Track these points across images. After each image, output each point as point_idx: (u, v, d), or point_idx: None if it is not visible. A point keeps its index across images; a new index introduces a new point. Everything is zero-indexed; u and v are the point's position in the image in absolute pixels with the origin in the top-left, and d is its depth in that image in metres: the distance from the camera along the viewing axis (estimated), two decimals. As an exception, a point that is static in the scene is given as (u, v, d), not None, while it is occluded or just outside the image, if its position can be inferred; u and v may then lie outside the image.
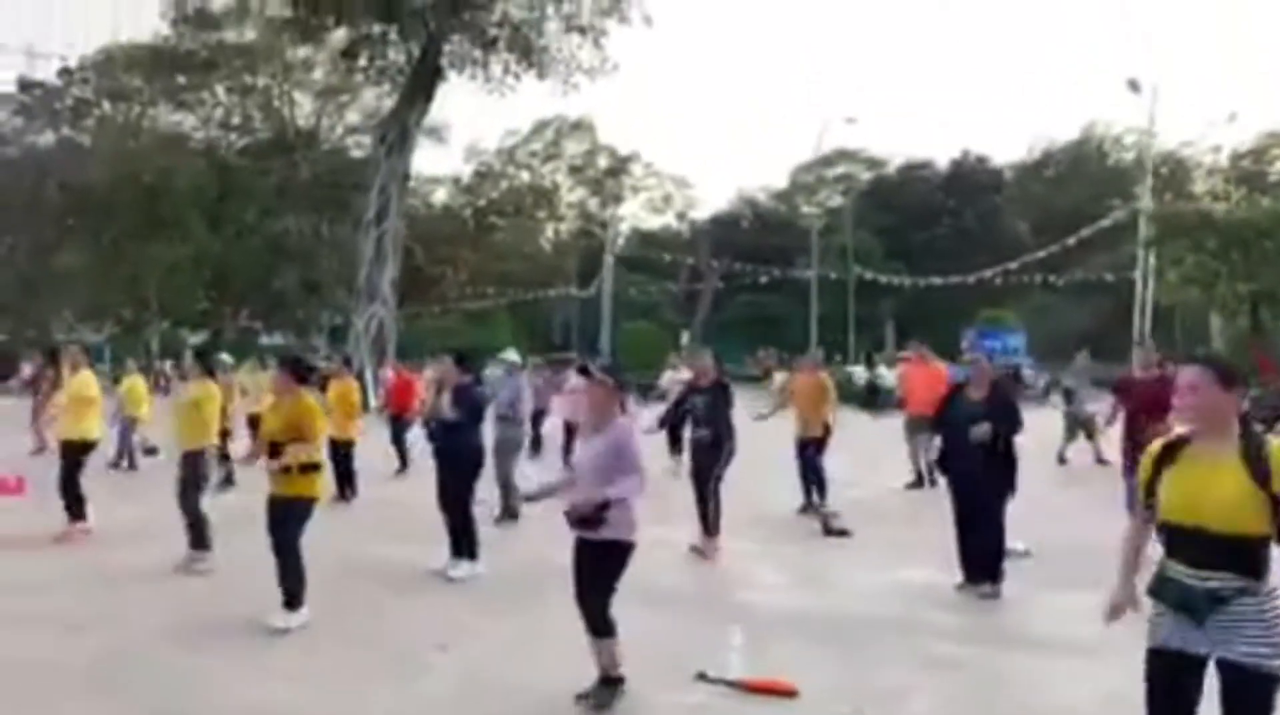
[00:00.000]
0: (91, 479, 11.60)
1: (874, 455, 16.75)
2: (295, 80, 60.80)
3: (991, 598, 7.73)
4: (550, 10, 30.07)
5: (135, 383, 16.03)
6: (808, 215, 62.20)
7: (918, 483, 13.63)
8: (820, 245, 56.26)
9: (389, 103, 61.35)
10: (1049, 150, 69.84)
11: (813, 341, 36.22)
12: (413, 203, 56.61)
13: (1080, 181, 66.45)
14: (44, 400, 17.37)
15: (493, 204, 75.14)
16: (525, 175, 77.40)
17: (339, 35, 36.47)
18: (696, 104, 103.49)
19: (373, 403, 28.39)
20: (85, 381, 10.51)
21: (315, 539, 7.74)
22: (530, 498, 6.18)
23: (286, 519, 7.03)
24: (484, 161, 75.90)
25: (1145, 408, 8.87)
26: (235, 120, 60.05)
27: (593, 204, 79.89)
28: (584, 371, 5.58)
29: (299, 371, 7.26)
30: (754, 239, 54.84)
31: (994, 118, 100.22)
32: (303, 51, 61.14)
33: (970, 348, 44.13)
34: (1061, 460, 17.00)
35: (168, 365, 28.51)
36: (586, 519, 5.29)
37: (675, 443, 15.60)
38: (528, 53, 30.71)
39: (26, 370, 39.24)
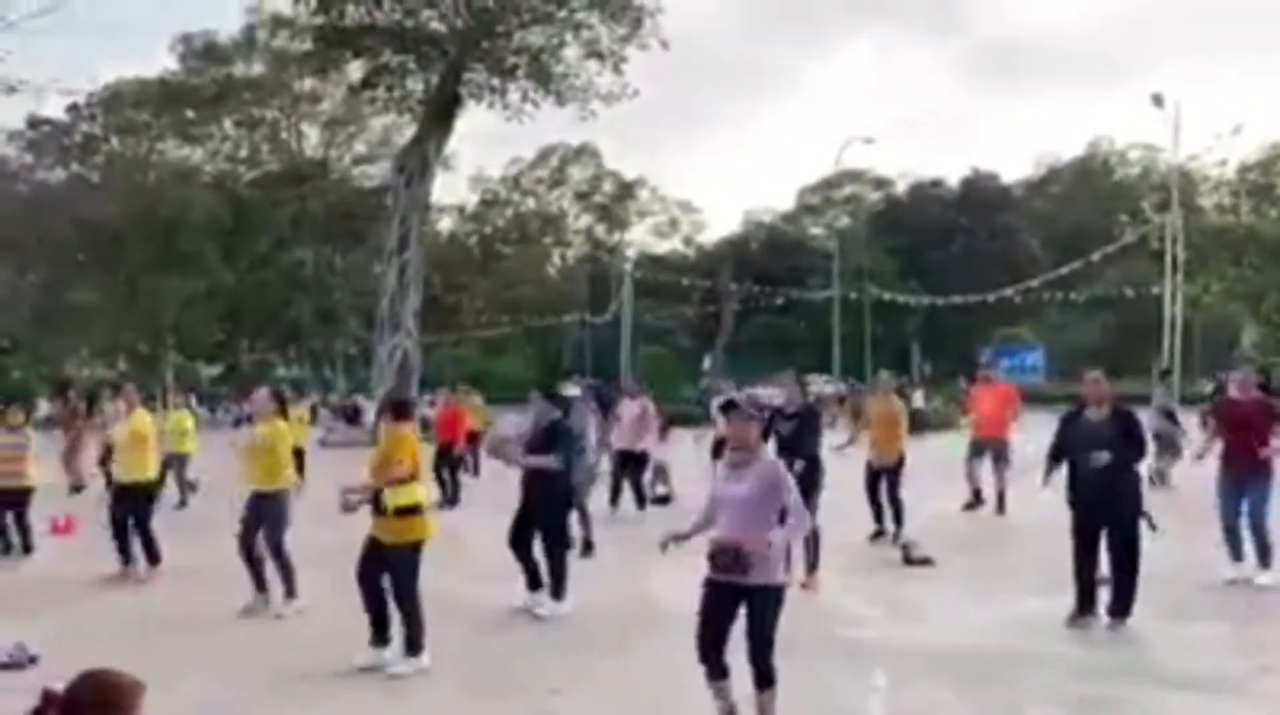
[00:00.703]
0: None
1: (921, 478, 16.49)
2: (303, 112, 61.01)
3: (1117, 628, 7.46)
4: (569, 37, 30.02)
5: (181, 417, 15.77)
6: (819, 236, 62.16)
7: (974, 504, 13.35)
8: (831, 266, 56.24)
9: (398, 133, 61.91)
10: (1054, 167, 70.03)
11: (835, 363, 35.88)
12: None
13: (1087, 198, 66.54)
14: (75, 438, 17.17)
15: (499, 232, 75.26)
16: (531, 202, 77.52)
17: (354, 65, 36.52)
18: (699, 128, 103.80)
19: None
20: (143, 420, 10.26)
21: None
22: (678, 538, 5.87)
23: (396, 570, 6.74)
24: (490, 189, 75.96)
25: (1246, 430, 8.62)
26: (243, 153, 60.22)
27: (600, 230, 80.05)
28: (729, 407, 5.33)
29: (399, 408, 7.02)
30: (765, 261, 54.66)
31: (998, 135, 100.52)
32: (310, 83, 61.49)
33: (987, 366, 43.95)
34: (1152, 481, 16.56)
35: (193, 398, 28.27)
36: (738, 562, 4.99)
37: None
38: (546, 80, 30.64)
39: (44, 407, 39.08)
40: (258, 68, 59.65)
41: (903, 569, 10.13)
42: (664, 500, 14.62)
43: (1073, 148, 71.57)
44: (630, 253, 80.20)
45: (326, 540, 9.45)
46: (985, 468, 13.32)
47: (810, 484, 9.10)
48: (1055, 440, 7.79)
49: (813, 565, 8.99)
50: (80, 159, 60.42)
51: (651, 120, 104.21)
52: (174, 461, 15.31)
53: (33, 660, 7.03)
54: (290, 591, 8.48)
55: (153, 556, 9.88)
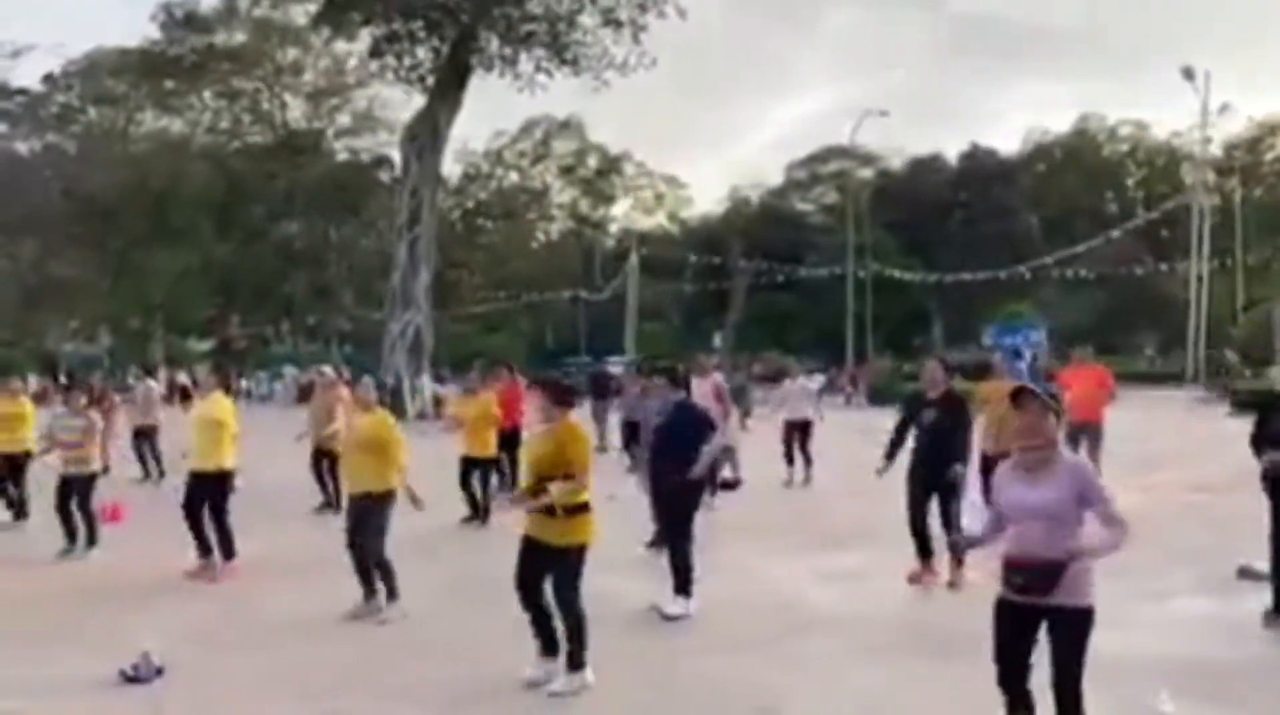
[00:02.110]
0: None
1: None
2: (285, 84, 59.75)
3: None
4: (586, 3, 29.07)
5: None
6: (814, 212, 61.65)
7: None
8: (832, 243, 55.71)
9: (382, 107, 60.80)
10: (1043, 143, 69.75)
11: (848, 340, 35.39)
12: (386, 207, 55.64)
13: (1075, 175, 66.40)
14: (109, 419, 16.35)
15: (481, 206, 74.11)
16: (514, 176, 76.40)
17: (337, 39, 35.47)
18: (683, 101, 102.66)
19: (410, 412, 27.47)
20: (222, 404, 9.52)
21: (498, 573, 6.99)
22: (972, 544, 5.22)
23: (561, 574, 6.08)
24: (472, 163, 74.77)
25: None
26: (223, 125, 58.90)
27: (584, 205, 79.15)
28: (1020, 394, 4.64)
29: (561, 394, 6.33)
30: (761, 238, 54.09)
31: (984, 111, 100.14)
32: (292, 54, 60.25)
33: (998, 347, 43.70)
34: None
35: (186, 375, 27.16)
36: (1040, 581, 4.36)
37: (792, 455, 14.90)
38: (561, 49, 29.75)
39: (33, 384, 37.96)
40: (239, 37, 58.38)
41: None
42: (732, 485, 13.99)
43: (1061, 124, 71.13)
44: (613, 228, 79.77)
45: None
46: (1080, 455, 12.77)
47: (960, 473, 8.56)
48: (1256, 430, 7.24)
49: (960, 560, 8.42)
50: (57, 129, 59.04)
51: (635, 95, 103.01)
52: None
53: (159, 673, 6.37)
54: (392, 593, 7.82)
55: (227, 550, 9.18)
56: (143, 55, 55.21)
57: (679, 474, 7.77)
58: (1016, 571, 4.42)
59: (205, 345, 43.11)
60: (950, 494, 8.41)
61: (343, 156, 55.67)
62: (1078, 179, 66.11)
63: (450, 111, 29.49)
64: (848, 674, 6.37)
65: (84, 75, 58.74)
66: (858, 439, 20.93)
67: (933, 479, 8.42)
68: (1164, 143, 69.79)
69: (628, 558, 9.82)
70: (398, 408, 26.63)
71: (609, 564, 9.48)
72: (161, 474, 15.92)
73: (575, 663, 6.07)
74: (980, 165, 55.79)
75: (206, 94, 58.89)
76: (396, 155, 53.62)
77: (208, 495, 9.16)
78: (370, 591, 7.80)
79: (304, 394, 35.93)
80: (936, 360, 9.05)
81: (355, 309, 44.63)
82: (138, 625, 7.55)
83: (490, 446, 11.87)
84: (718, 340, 42.30)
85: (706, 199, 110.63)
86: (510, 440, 14.36)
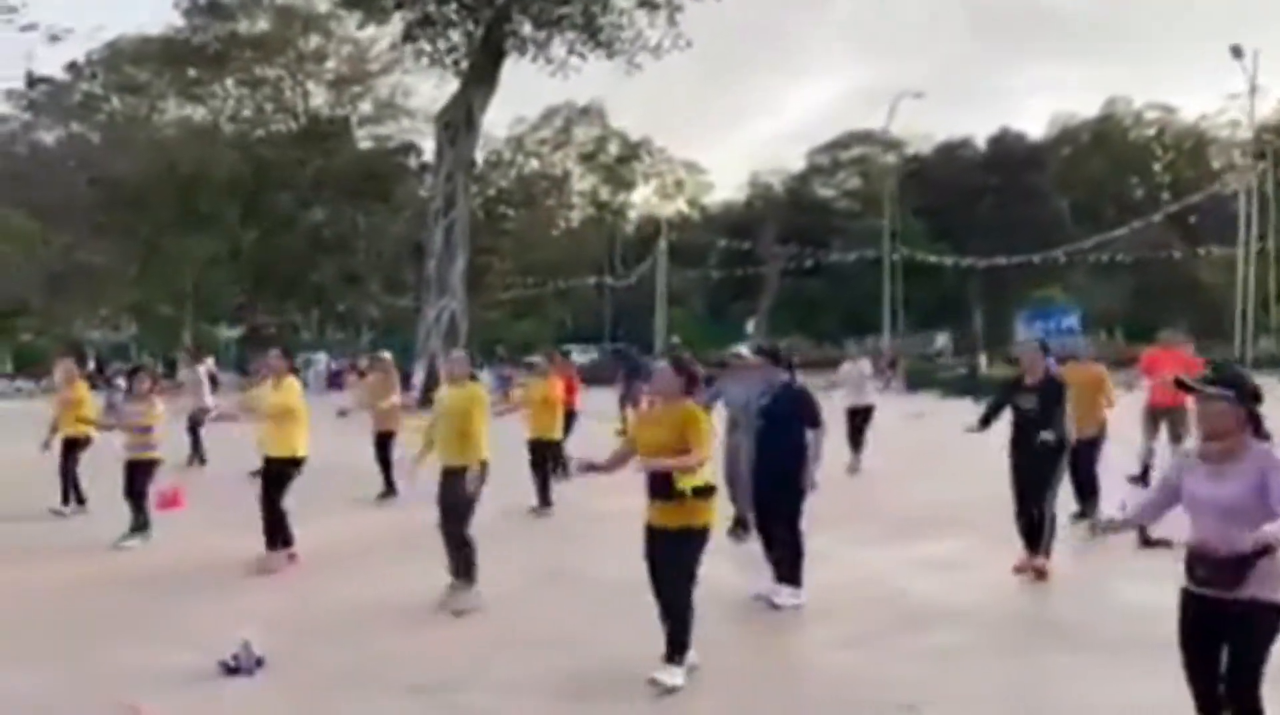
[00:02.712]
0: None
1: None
2: (308, 71, 59.53)
3: None
4: (622, -15, 28.75)
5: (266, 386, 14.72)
6: (845, 196, 61.20)
7: (1142, 477, 12.42)
8: (859, 228, 55.26)
9: (404, 94, 60.59)
10: (1069, 127, 69.01)
11: (885, 325, 35.04)
12: (413, 194, 55.43)
13: (1102, 159, 65.68)
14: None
15: (502, 193, 73.88)
16: (535, 163, 76.13)
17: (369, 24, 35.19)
18: (699, 86, 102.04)
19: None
20: (293, 390, 9.27)
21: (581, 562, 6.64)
22: (1118, 527, 4.94)
23: (679, 558, 5.81)
24: (493, 150, 74.45)
25: None
26: (246, 113, 58.74)
27: (604, 192, 78.89)
28: (1183, 385, 4.35)
29: (687, 373, 6.06)
30: (787, 222, 53.76)
31: (1005, 95, 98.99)
32: (315, 41, 60.05)
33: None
34: None
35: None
36: (1224, 573, 4.09)
37: (858, 440, 14.56)
38: (595, 31, 29.42)
39: (59, 372, 37.89)
40: (262, 24, 58.16)
41: (1137, 551, 9.15)
42: None
43: (1081, 106, 70.41)
44: (633, 215, 79.50)
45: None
46: (1160, 441, 12.39)
47: (1061, 460, 8.27)
48: None
49: (1047, 550, 8.14)
50: (81, 118, 58.94)
51: (650, 80, 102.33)
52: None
53: (259, 664, 6.16)
54: (471, 576, 7.57)
55: (284, 538, 8.87)
56: (166, 43, 55.06)
57: (791, 458, 7.45)
58: (1199, 563, 4.15)
59: (233, 333, 42.99)
60: (1047, 476, 8.10)
61: (365, 144, 55.51)
62: (1104, 163, 65.41)
63: (484, 96, 29.21)
64: (988, 670, 6.10)
65: (107, 64, 58.71)
66: (903, 424, 20.77)
67: (1029, 470, 8.10)
68: (1191, 126, 69.00)
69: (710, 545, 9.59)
70: (433, 393, 26.49)
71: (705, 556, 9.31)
72: (203, 461, 15.80)
73: (677, 654, 5.80)
74: (1009, 149, 55.20)
75: (229, 82, 58.78)
76: (422, 142, 53.77)
77: (274, 479, 8.92)
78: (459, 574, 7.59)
79: (334, 381, 35.90)
80: (1035, 344, 8.69)
81: (383, 296, 44.48)
82: (221, 614, 7.35)
83: (557, 429, 11.64)
84: (750, 326, 41.95)
85: (725, 185, 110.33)
86: (567, 423, 14.16)
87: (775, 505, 7.52)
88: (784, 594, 7.41)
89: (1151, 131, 70.03)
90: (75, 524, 11.09)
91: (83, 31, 46.28)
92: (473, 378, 8.12)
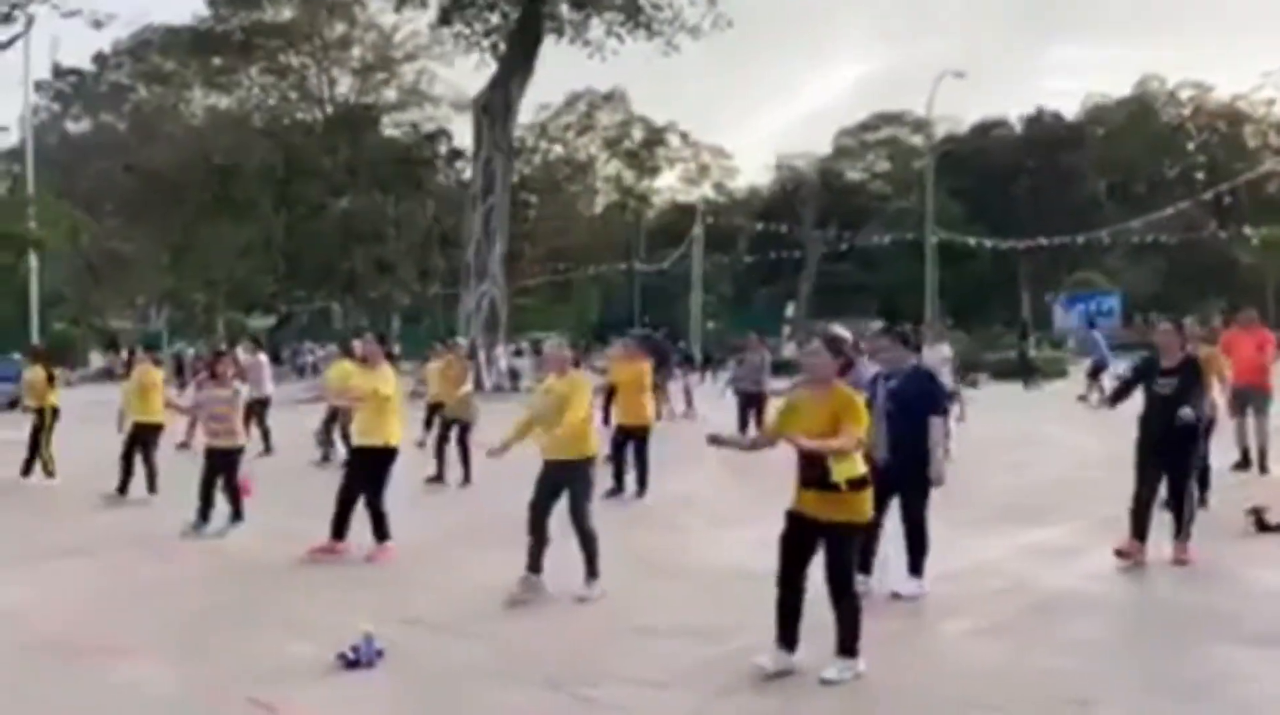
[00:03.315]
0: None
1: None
2: (333, 59, 59.35)
3: None
4: (665, -35, 28.35)
5: (343, 369, 14.50)
6: (875, 178, 60.69)
7: (1244, 464, 12.04)
8: (891, 210, 54.78)
9: (428, 81, 60.35)
10: (1101, 106, 68.15)
11: (929, 308, 34.61)
12: (442, 181, 55.21)
13: (1135, 139, 64.80)
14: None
15: (526, 180, 73.57)
16: (559, 149, 75.81)
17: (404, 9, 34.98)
18: (725, 70, 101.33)
19: (487, 385, 27.08)
20: (383, 376, 8.99)
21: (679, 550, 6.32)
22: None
23: (840, 556, 5.49)
24: (517, 136, 74.04)
25: None
26: (271, 101, 58.64)
27: (628, 177, 78.52)
28: None
29: (844, 354, 5.73)
30: (818, 206, 53.28)
31: (1040, 76, 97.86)
32: (340, 29, 59.85)
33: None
34: None
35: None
36: None
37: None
38: (635, 11, 29.04)
39: (97, 361, 37.83)
40: (287, 13, 58.00)
41: (1254, 537, 8.82)
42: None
43: (1109, 86, 69.47)
44: (657, 200, 79.10)
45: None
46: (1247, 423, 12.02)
47: (1198, 445, 7.95)
48: None
49: (1188, 534, 7.81)
50: (108, 108, 59.02)
51: (674, 66, 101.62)
52: (340, 415, 14.19)
53: (379, 655, 5.92)
54: (593, 571, 7.30)
55: (382, 532, 8.60)
56: (192, 33, 54.98)
57: (923, 444, 7.09)
58: None
59: (264, 322, 42.87)
60: (1188, 457, 7.77)
61: (390, 132, 55.32)
62: (1137, 144, 64.55)
63: (522, 79, 28.91)
64: (1151, 663, 5.82)
65: (134, 54, 58.71)
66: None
67: (1168, 455, 7.75)
68: (1226, 104, 68.01)
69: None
70: (475, 382, 26.26)
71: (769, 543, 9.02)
72: (268, 449, 15.56)
73: (849, 649, 5.52)
74: (1046, 130, 54.50)
75: (254, 71, 58.68)
76: (451, 129, 53.52)
77: (370, 472, 8.66)
78: (537, 566, 7.32)
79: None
80: (1171, 324, 8.29)
81: (415, 283, 44.35)
82: (331, 606, 7.18)
83: (646, 415, 11.31)
84: (790, 310, 41.54)
85: (748, 169, 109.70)
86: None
87: (904, 492, 7.17)
88: (908, 583, 7.14)
89: (1186, 111, 69.11)
90: (152, 513, 10.89)
91: (126, 17, 46.25)
92: (576, 366, 7.80)
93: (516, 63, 28.78)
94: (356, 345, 9.91)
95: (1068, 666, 5.65)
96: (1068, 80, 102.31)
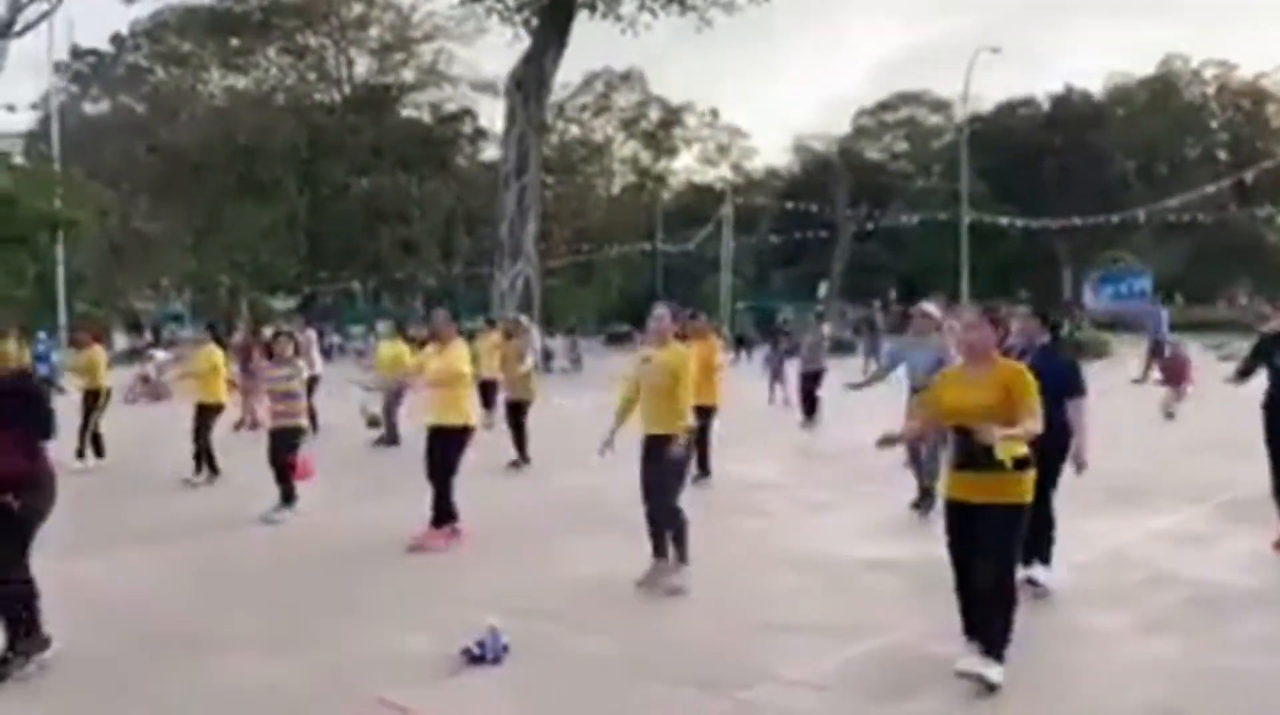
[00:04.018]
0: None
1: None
2: (350, 39, 58.84)
3: None
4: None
5: (397, 349, 14.18)
6: (897, 158, 60.04)
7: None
8: (914, 189, 54.21)
9: (446, 61, 59.83)
10: (1123, 86, 67.31)
11: (964, 288, 34.11)
12: (461, 162, 54.72)
13: (1159, 118, 63.96)
14: (255, 374, 15.61)
15: (545, 161, 72.98)
16: (575, 129, 75.22)
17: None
18: (740, 49, 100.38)
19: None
20: (459, 354, 8.53)
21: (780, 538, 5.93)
22: None
23: (1004, 541, 5.05)
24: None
25: None
26: (289, 82, 58.14)
27: (645, 158, 77.95)
28: None
29: (1002, 325, 5.30)
30: (838, 186, 52.69)
31: (1060, 55, 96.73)
32: (358, 9, 59.30)
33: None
34: None
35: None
36: None
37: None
38: (670, -14, 28.53)
39: (120, 342, 37.55)
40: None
41: None
42: None
43: (1144, 66, 68.44)
44: (673, 182, 78.51)
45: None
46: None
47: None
48: None
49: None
50: (126, 89, 58.52)
51: (690, 46, 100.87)
52: (387, 397, 13.87)
53: (505, 650, 5.51)
54: (683, 556, 6.90)
55: (440, 515, 8.20)
56: (209, 13, 54.49)
57: (1060, 429, 6.62)
58: None
59: (287, 303, 42.47)
60: None
61: (408, 112, 54.83)
62: (1160, 123, 63.72)
63: (555, 55, 28.38)
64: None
65: (151, 35, 58.24)
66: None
67: None
68: (1250, 83, 67.14)
69: (898, 521, 8.93)
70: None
71: (891, 529, 8.61)
72: (314, 429, 15.17)
73: (997, 648, 5.08)
74: (1073, 109, 53.76)
75: (271, 51, 58.18)
76: (475, 107, 53.03)
77: (445, 453, 8.26)
78: (662, 550, 6.92)
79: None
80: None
81: (439, 264, 43.93)
82: (433, 595, 6.80)
83: (716, 394, 10.88)
84: (823, 289, 41.02)
85: (765, 150, 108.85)
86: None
87: (1052, 472, 6.69)
88: (1042, 571, 6.70)
89: (1210, 89, 68.22)
90: (215, 495, 10.55)
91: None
92: (679, 337, 7.35)
93: (550, 37, 28.24)
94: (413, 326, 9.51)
95: (1259, 667, 5.22)
96: (1089, 59, 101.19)
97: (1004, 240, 45.69)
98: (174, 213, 38.66)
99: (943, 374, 5.45)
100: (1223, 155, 65.78)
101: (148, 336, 38.20)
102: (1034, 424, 4.93)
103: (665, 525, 6.91)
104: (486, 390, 15.95)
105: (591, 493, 10.32)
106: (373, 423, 13.75)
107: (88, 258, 39.08)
